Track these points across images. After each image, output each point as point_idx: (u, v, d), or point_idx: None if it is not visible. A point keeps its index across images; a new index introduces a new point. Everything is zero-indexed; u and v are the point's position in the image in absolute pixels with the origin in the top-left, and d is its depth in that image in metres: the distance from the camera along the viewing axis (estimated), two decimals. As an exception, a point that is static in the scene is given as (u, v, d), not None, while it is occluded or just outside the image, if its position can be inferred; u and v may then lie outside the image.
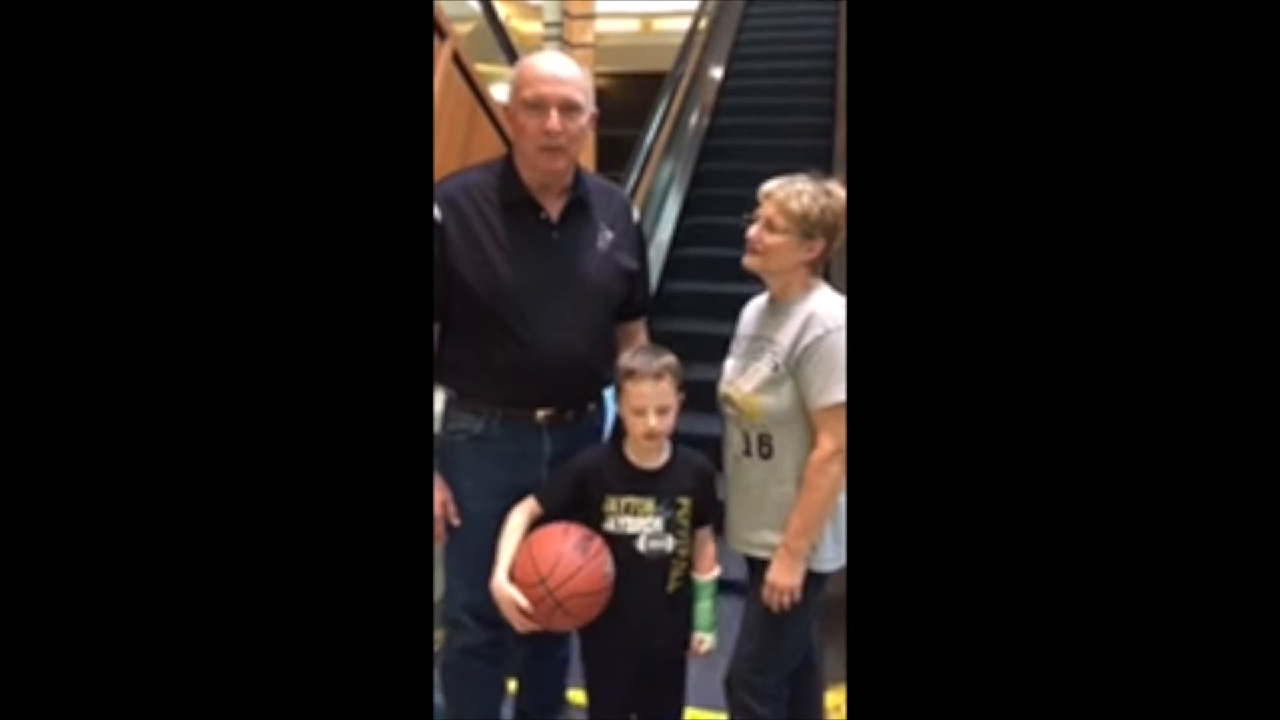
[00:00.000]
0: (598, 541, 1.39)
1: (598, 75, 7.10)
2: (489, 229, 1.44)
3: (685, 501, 1.44)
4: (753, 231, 1.44)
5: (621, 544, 1.41)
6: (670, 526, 1.43)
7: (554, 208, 1.48)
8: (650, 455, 1.45)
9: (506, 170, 1.48)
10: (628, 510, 1.43)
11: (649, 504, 1.43)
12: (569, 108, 1.40)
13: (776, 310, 1.48)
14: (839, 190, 1.46)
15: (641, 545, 1.43)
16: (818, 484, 1.38)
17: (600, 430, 1.65)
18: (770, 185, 1.46)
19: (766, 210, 1.44)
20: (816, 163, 3.45)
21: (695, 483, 1.46)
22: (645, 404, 1.39)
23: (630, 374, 1.40)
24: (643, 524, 1.42)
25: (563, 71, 1.41)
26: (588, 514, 1.44)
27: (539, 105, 1.39)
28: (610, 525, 1.42)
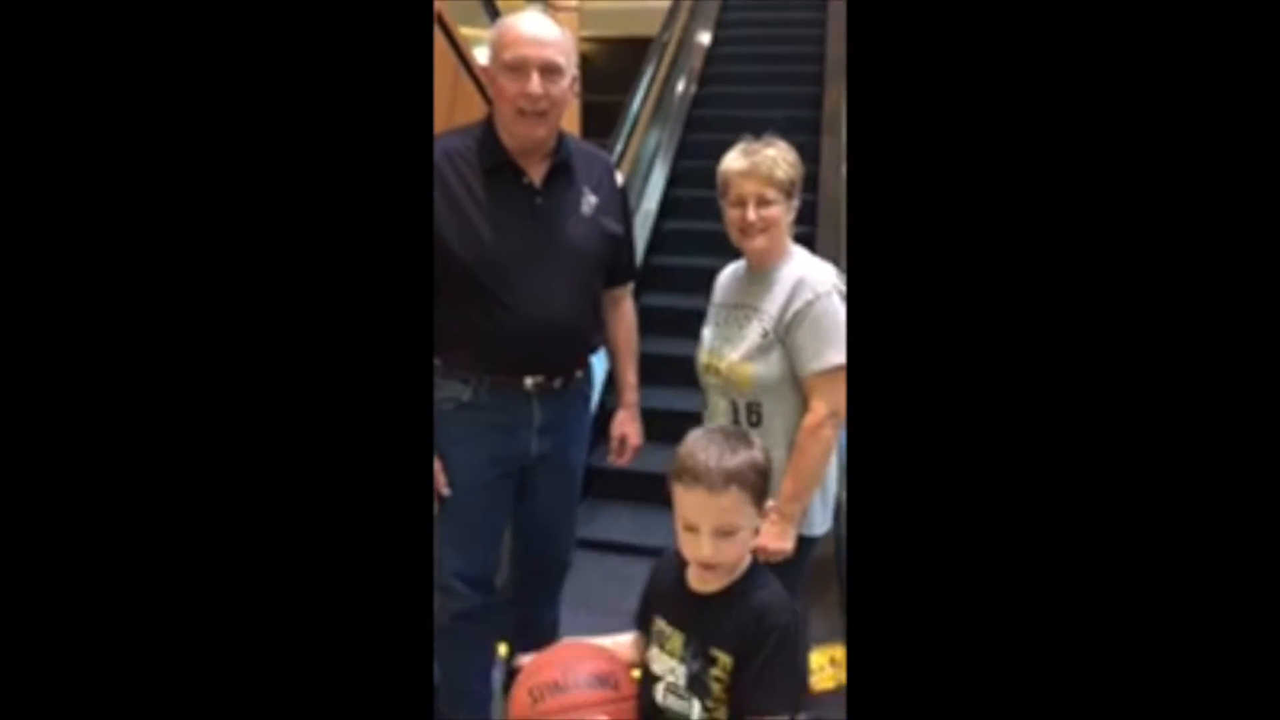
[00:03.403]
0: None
1: (583, 40, 6.98)
2: (471, 195, 1.42)
3: (722, 656, 0.97)
4: (750, 215, 1.40)
5: (645, 685, 1.05)
6: (695, 685, 0.99)
7: (536, 172, 1.46)
8: (704, 577, 1.02)
9: (487, 134, 1.45)
10: (661, 640, 1.05)
11: (678, 641, 1.03)
12: (550, 70, 1.37)
13: (759, 278, 1.47)
14: (777, 141, 1.46)
15: (659, 695, 1.03)
16: (810, 449, 1.38)
17: (588, 398, 1.65)
18: (734, 165, 1.43)
19: (749, 188, 1.40)
20: (804, 129, 3.49)
21: (744, 633, 0.97)
22: (697, 521, 0.96)
23: (680, 474, 0.97)
24: (667, 667, 1.03)
25: (544, 33, 1.38)
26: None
27: (519, 68, 1.36)
28: (650, 652, 1.06)
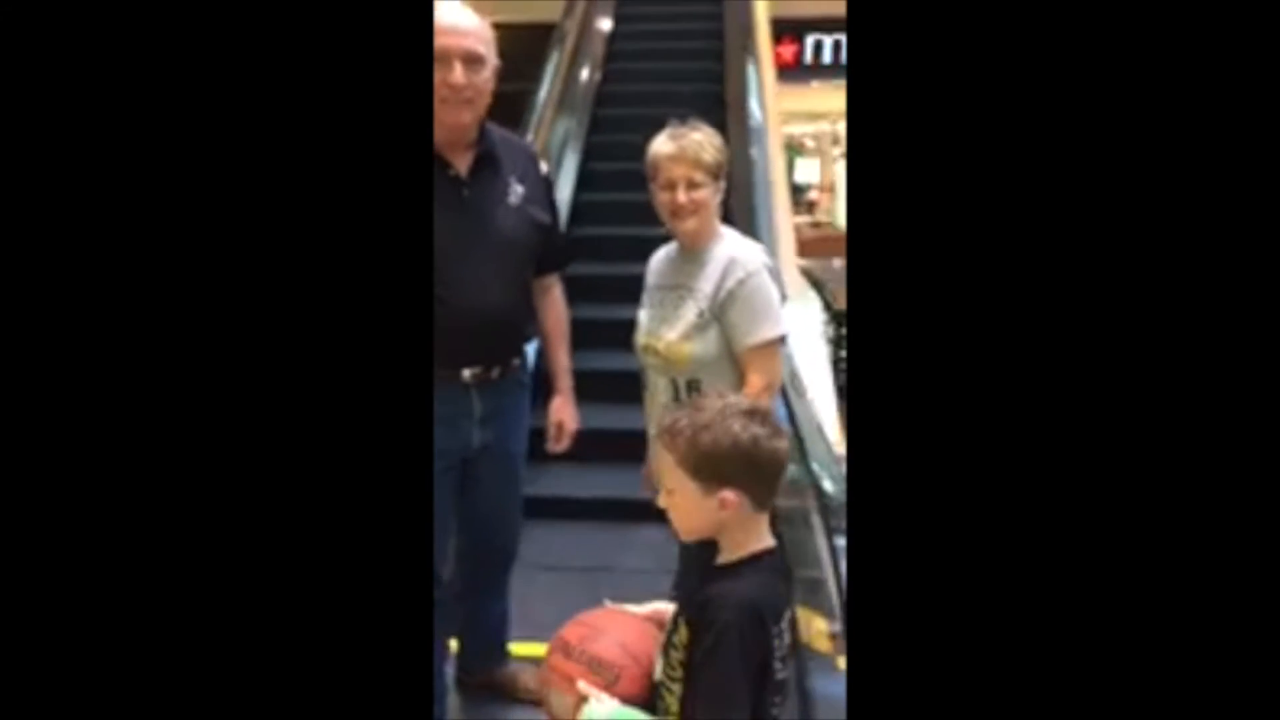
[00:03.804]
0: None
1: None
2: None
3: (682, 626, 0.97)
4: (680, 198, 1.44)
5: None
6: (667, 644, 1.00)
7: (462, 163, 1.46)
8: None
9: None
10: None
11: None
12: (472, 60, 1.38)
13: (691, 258, 1.52)
14: (702, 124, 1.51)
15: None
16: None
17: (526, 386, 1.66)
18: (663, 149, 1.46)
19: (678, 171, 1.44)
20: (709, 109, 3.58)
21: (697, 613, 0.96)
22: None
23: None
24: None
25: (463, 22, 1.38)
26: None
27: (441, 58, 1.35)
28: None
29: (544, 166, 1.63)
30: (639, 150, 1.55)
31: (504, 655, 1.80)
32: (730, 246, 1.50)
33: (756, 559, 0.98)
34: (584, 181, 3.67)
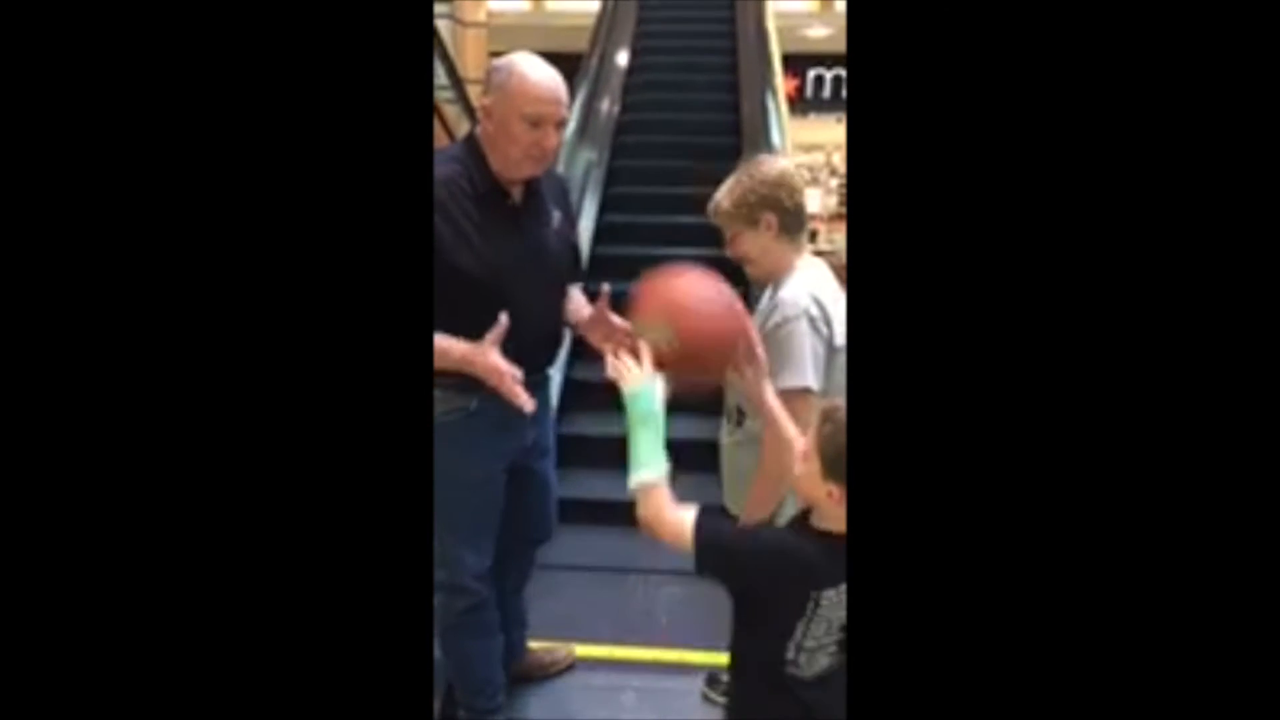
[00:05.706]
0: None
1: (490, 55, 7.06)
2: (468, 218, 1.56)
3: None
4: (729, 252, 1.56)
5: None
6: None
7: (516, 193, 1.63)
8: None
9: (475, 161, 1.59)
10: None
11: None
12: (560, 125, 1.56)
13: (769, 290, 1.60)
14: (761, 160, 1.60)
15: None
16: (770, 462, 1.44)
17: (549, 378, 1.82)
18: (710, 206, 1.58)
19: (722, 225, 1.57)
20: (724, 134, 3.74)
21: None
22: None
23: None
24: None
25: (561, 93, 1.55)
26: None
27: (539, 124, 1.51)
28: None
29: (572, 193, 1.79)
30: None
31: (521, 648, 1.97)
32: (789, 286, 1.51)
33: (829, 534, 1.11)
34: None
